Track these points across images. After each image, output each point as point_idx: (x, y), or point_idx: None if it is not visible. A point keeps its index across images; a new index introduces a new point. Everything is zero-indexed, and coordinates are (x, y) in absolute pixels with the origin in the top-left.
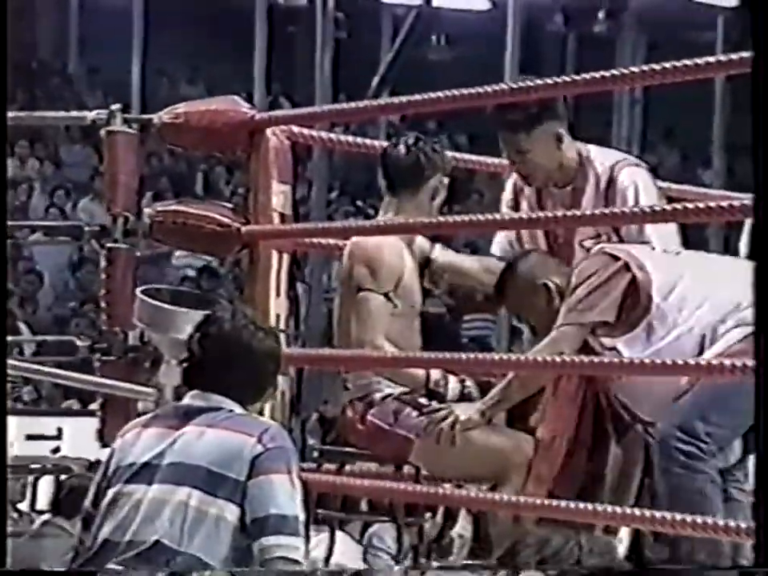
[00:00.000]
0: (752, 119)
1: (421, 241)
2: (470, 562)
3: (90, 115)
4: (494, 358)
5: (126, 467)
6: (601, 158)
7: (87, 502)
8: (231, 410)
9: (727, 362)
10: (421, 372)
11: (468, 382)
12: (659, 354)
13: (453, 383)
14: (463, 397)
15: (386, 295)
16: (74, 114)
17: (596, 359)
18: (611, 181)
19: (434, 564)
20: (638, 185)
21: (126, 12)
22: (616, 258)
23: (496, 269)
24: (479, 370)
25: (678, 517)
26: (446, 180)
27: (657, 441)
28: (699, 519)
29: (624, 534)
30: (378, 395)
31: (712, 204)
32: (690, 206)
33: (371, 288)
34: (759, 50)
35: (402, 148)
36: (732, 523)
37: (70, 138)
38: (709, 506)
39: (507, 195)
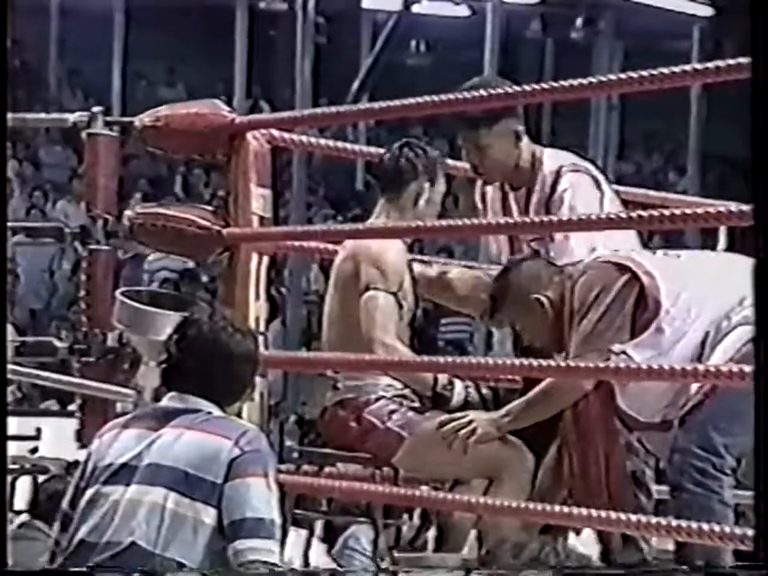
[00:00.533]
0: (751, 122)
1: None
2: (439, 564)
3: (72, 117)
4: (489, 362)
5: (104, 468)
6: (550, 161)
7: (65, 503)
8: (210, 412)
9: (735, 367)
10: (429, 375)
11: (470, 388)
12: (671, 357)
13: (459, 388)
14: (467, 403)
15: (394, 295)
16: (55, 116)
17: (601, 364)
18: (554, 184)
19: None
20: (575, 191)
21: (106, 15)
22: (621, 268)
23: (470, 279)
24: (473, 373)
25: (674, 523)
26: (427, 185)
27: (672, 454)
28: (702, 526)
29: (592, 538)
30: (373, 396)
31: (707, 210)
32: (677, 212)
33: (381, 287)
34: (758, 55)
35: (387, 153)
36: (734, 530)
37: (50, 139)
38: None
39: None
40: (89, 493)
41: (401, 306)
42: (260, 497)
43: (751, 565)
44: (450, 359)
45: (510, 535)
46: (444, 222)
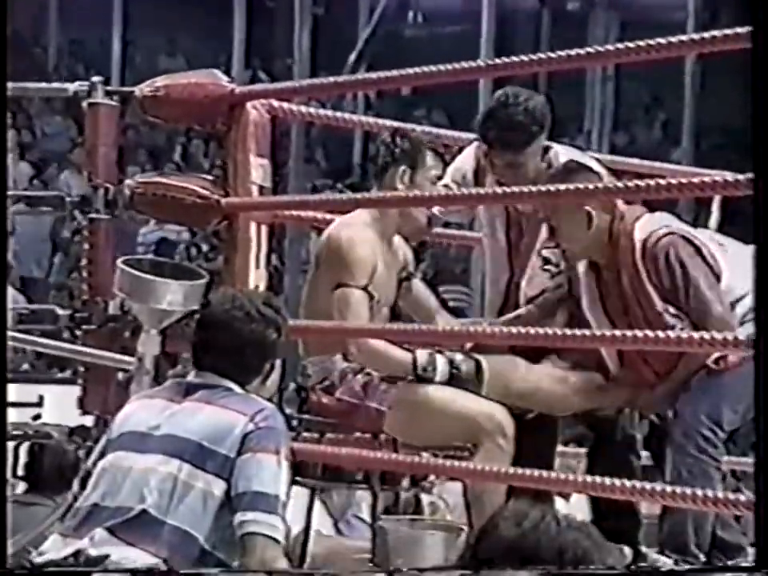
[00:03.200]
0: (752, 99)
1: (405, 249)
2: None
3: (72, 87)
4: (490, 330)
5: (126, 434)
6: (563, 158)
7: (89, 463)
8: (229, 389)
9: (730, 335)
10: (408, 358)
11: (457, 361)
12: None
13: (441, 365)
14: (452, 377)
15: (364, 289)
16: (56, 85)
17: (597, 332)
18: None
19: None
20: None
21: None
22: (696, 249)
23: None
24: (489, 341)
25: (678, 490)
26: (404, 167)
27: (680, 421)
28: (700, 492)
29: (581, 502)
30: (336, 372)
31: (703, 180)
32: (674, 181)
33: (349, 283)
34: (758, 26)
35: (380, 137)
36: (732, 496)
37: (51, 109)
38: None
39: (465, 174)
40: (108, 458)
41: (372, 298)
42: (269, 472)
43: (751, 565)
44: (477, 327)
45: (499, 504)
46: (444, 192)
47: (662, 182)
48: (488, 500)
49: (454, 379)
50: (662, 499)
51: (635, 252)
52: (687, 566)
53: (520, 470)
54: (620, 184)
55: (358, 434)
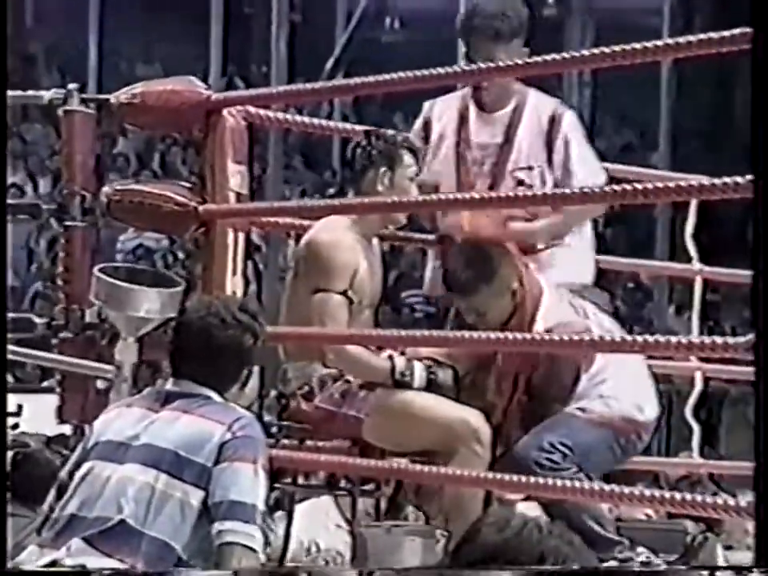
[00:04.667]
0: (751, 103)
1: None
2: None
3: (47, 95)
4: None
5: (103, 444)
6: (538, 95)
7: (64, 473)
8: (208, 397)
9: (732, 340)
10: (386, 364)
11: (434, 368)
12: None
13: (419, 371)
14: (431, 383)
15: (343, 293)
16: (31, 93)
17: (575, 337)
18: (554, 118)
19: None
20: (579, 136)
21: None
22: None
23: None
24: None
25: (678, 496)
26: (384, 169)
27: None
28: (699, 498)
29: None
30: (314, 378)
31: (702, 183)
32: (671, 185)
33: (328, 288)
34: (758, 29)
35: (354, 140)
36: (732, 501)
37: (30, 117)
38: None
39: (445, 128)
40: (84, 467)
41: (351, 302)
42: (246, 481)
43: (751, 565)
44: (456, 334)
45: (477, 511)
46: (420, 198)
47: (640, 186)
48: (466, 506)
49: (431, 386)
50: (660, 505)
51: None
52: (687, 567)
53: (498, 476)
54: (597, 189)
55: (336, 441)
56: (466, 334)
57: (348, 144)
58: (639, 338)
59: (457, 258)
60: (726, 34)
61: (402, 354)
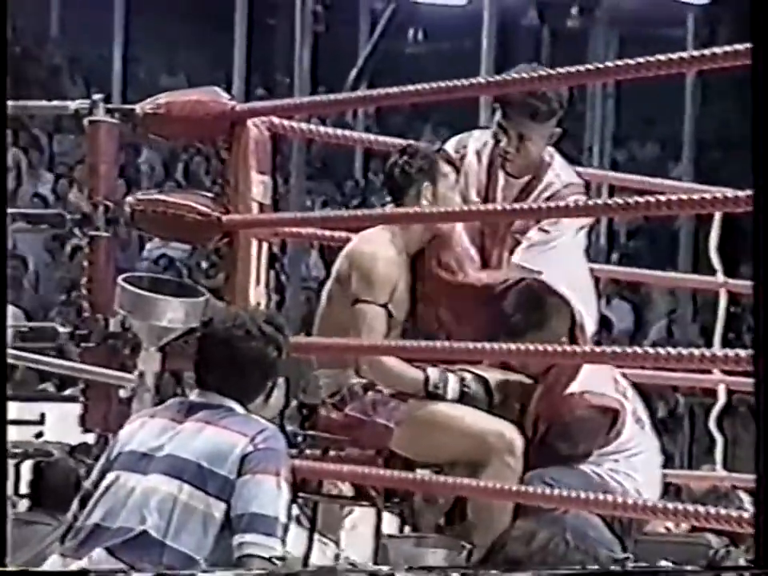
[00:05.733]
0: (752, 113)
1: None
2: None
3: (73, 105)
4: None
5: (127, 454)
6: (559, 170)
7: (88, 483)
8: (231, 409)
9: (731, 352)
10: (420, 375)
11: (467, 380)
12: None
13: (452, 383)
14: (463, 395)
15: (384, 306)
16: (57, 103)
17: (587, 349)
18: (555, 195)
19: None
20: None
21: (107, 1)
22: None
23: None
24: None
25: (670, 506)
26: (427, 184)
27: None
28: (698, 509)
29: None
30: (345, 387)
31: (703, 197)
32: (673, 198)
33: (369, 299)
34: (759, 42)
35: (392, 158)
36: (730, 512)
37: (61, 127)
38: None
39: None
40: (109, 477)
41: (390, 316)
42: (268, 494)
43: (751, 565)
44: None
45: (505, 523)
46: (442, 209)
47: (662, 198)
48: (494, 518)
49: (464, 398)
50: (665, 517)
51: None
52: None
53: (522, 488)
54: (620, 201)
55: (360, 451)
56: (497, 345)
57: (370, 155)
58: (639, 350)
59: (510, 300)
60: (750, 46)
61: (435, 365)
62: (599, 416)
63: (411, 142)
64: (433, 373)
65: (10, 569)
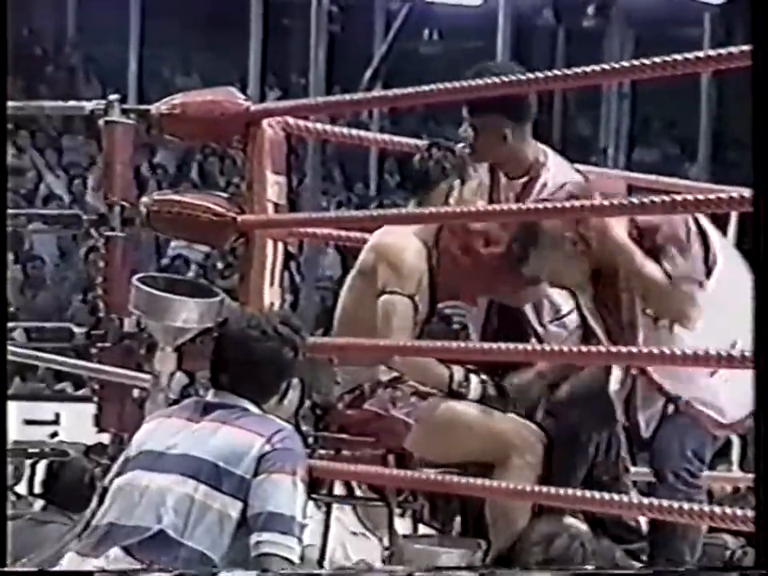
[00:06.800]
0: (752, 114)
1: None
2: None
3: (89, 105)
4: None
5: (143, 453)
6: (555, 169)
7: (106, 481)
8: (246, 409)
9: (724, 352)
10: (445, 372)
11: (487, 383)
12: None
13: (474, 383)
14: (484, 396)
15: (411, 297)
16: (73, 103)
17: (603, 349)
18: (550, 196)
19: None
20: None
21: (123, 3)
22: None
23: None
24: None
25: (678, 505)
26: (458, 182)
27: (668, 459)
28: (704, 508)
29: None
30: (367, 384)
31: (707, 197)
32: (678, 198)
33: (396, 290)
34: (759, 44)
35: (418, 154)
36: (735, 511)
37: (71, 128)
38: None
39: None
40: (125, 476)
41: (416, 309)
42: (284, 493)
43: (751, 566)
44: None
45: (524, 524)
46: (456, 209)
47: (667, 198)
48: (511, 518)
49: (485, 398)
50: (678, 516)
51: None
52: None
53: (537, 488)
54: (625, 201)
55: (372, 450)
56: (512, 346)
57: (385, 156)
58: (644, 350)
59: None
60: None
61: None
62: None
63: (437, 139)
64: (458, 371)
65: (9, 569)
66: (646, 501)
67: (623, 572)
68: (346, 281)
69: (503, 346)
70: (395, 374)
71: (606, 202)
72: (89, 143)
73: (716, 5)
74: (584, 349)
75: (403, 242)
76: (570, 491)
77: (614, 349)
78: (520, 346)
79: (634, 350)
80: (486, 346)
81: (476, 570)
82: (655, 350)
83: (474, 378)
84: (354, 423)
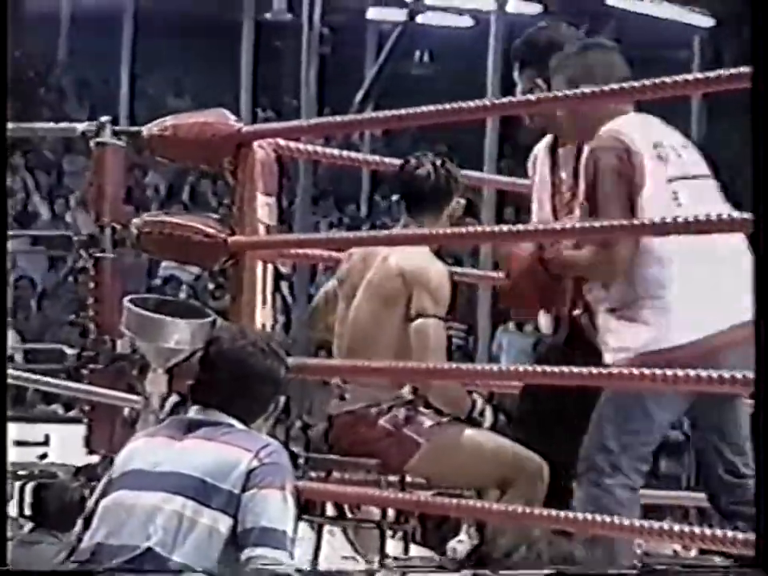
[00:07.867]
0: (751, 129)
1: None
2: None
3: (80, 127)
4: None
5: (128, 473)
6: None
7: (92, 502)
8: (231, 425)
9: (739, 374)
10: (468, 400)
11: (500, 414)
12: None
13: (489, 413)
14: (495, 424)
15: (443, 319)
16: (64, 125)
17: (600, 370)
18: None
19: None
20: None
21: (114, 26)
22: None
23: None
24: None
25: (679, 528)
26: (462, 201)
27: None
28: (705, 531)
29: None
30: (386, 405)
31: (693, 218)
32: (680, 220)
33: (432, 313)
34: (758, 64)
35: (425, 170)
36: (736, 535)
37: (72, 147)
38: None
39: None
40: (111, 496)
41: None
42: (275, 508)
43: (750, 565)
44: (499, 367)
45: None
46: (456, 230)
47: (668, 219)
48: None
49: (496, 426)
50: (669, 539)
51: None
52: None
53: (528, 510)
54: (625, 222)
55: (365, 476)
56: (530, 368)
57: (377, 177)
58: (636, 371)
59: None
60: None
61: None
62: None
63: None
64: (479, 400)
65: (9, 569)
66: (646, 524)
67: (623, 572)
68: (357, 304)
69: (521, 367)
70: (409, 395)
71: (612, 223)
72: (88, 164)
73: (705, 28)
74: (600, 371)
75: (433, 266)
76: (570, 514)
77: (622, 371)
78: (539, 368)
79: (625, 370)
80: (504, 367)
81: (474, 570)
82: (647, 372)
83: (488, 407)
84: (363, 440)
